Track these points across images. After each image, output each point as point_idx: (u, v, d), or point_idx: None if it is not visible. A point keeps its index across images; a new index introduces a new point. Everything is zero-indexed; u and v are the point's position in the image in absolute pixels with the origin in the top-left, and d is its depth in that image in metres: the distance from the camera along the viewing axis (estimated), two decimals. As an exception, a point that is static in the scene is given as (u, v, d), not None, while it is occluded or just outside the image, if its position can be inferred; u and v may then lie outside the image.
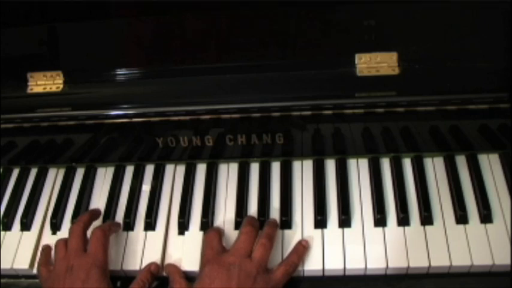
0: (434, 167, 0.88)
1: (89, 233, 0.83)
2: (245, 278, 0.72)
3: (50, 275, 0.80)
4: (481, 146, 0.86)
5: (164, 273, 0.83)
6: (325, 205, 0.85)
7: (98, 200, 0.93)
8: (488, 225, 0.80)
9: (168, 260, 0.84)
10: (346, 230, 0.83)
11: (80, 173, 0.96)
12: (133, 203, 0.90)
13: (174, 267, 0.82)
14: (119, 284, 0.84)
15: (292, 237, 0.83)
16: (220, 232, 0.82)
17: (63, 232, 0.89)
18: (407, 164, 0.89)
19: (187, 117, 0.83)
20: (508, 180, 0.85)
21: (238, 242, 0.78)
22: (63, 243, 0.82)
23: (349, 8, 0.84)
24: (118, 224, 0.87)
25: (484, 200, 0.82)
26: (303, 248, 0.80)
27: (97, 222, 0.88)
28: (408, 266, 0.78)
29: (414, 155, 0.89)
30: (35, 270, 0.86)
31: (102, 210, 0.90)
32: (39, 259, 0.84)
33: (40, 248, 0.87)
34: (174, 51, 0.88)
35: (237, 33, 0.87)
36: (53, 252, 0.85)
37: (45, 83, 0.88)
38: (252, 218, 0.83)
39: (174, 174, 0.93)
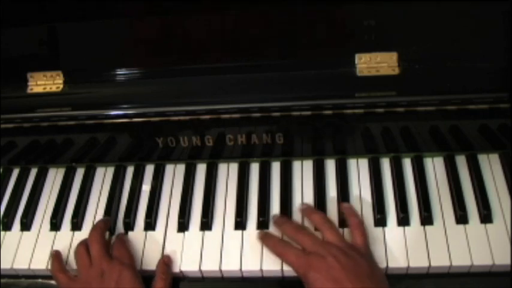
0: (434, 167, 0.88)
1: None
2: (343, 258, 0.72)
3: (74, 282, 0.80)
4: (481, 146, 0.86)
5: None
6: (325, 205, 0.85)
7: (98, 200, 0.92)
8: (488, 225, 0.80)
9: (167, 260, 0.84)
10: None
11: (80, 173, 0.96)
12: (133, 203, 0.90)
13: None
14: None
15: (292, 237, 0.83)
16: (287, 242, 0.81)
17: (64, 232, 0.89)
18: (407, 164, 0.89)
19: (187, 117, 0.83)
20: (508, 180, 0.85)
21: (304, 244, 0.78)
22: (84, 249, 0.81)
23: (349, 8, 0.84)
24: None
25: (484, 200, 0.82)
26: (350, 209, 0.82)
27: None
28: (408, 266, 0.78)
29: (414, 155, 0.89)
30: (33, 266, 0.86)
31: (102, 210, 0.90)
32: (53, 265, 0.83)
33: (38, 248, 0.87)
34: (174, 51, 0.88)
35: (237, 33, 0.87)
36: (69, 257, 0.86)
37: (45, 83, 0.88)
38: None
39: (174, 174, 0.93)
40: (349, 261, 0.72)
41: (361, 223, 0.80)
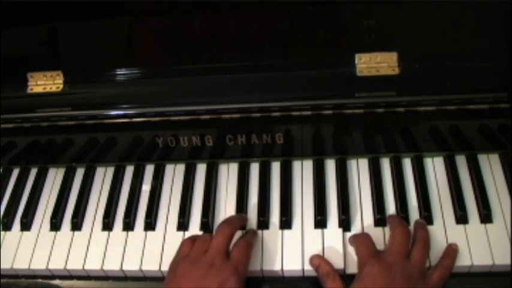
0: (434, 167, 0.88)
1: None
2: (407, 279, 0.70)
3: (188, 254, 0.76)
4: (481, 146, 0.86)
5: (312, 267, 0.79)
6: (325, 205, 0.85)
7: (98, 200, 0.92)
8: (488, 225, 0.80)
9: (166, 260, 0.83)
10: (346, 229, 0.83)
11: (79, 173, 0.96)
12: (133, 203, 0.90)
13: (325, 263, 0.78)
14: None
15: (292, 237, 0.83)
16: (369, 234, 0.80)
17: (64, 232, 0.89)
18: (407, 164, 0.89)
19: (187, 117, 0.83)
20: (508, 180, 0.85)
21: (395, 242, 0.75)
22: (208, 237, 0.78)
23: (349, 8, 0.84)
24: (256, 235, 0.82)
25: (484, 200, 0.82)
26: (453, 251, 0.77)
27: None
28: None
29: (414, 155, 0.89)
30: (33, 266, 0.85)
31: (102, 210, 0.90)
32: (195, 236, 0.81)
33: (38, 248, 0.87)
34: (174, 51, 0.88)
35: (237, 33, 0.87)
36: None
37: (45, 83, 0.88)
38: (400, 219, 0.80)
39: (174, 174, 0.93)
40: (410, 286, 0.70)
41: (451, 269, 0.76)
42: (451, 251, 0.78)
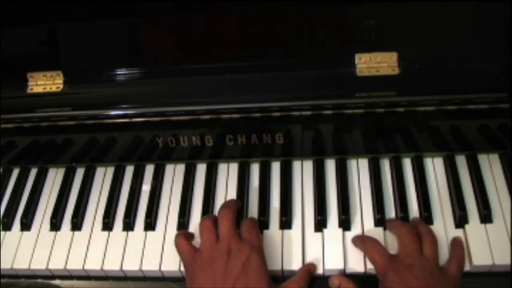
0: (434, 167, 0.88)
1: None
2: (430, 277, 0.71)
3: (196, 252, 0.77)
4: (481, 146, 0.86)
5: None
6: (325, 205, 0.85)
7: (98, 200, 0.92)
8: (488, 225, 0.80)
9: (167, 260, 0.83)
10: (346, 229, 0.83)
11: (79, 173, 0.96)
12: (133, 203, 0.90)
13: (346, 282, 0.77)
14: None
15: (292, 237, 0.83)
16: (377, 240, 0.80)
17: (64, 232, 0.89)
18: (407, 164, 0.89)
19: (187, 117, 0.83)
20: (508, 180, 0.85)
21: (406, 243, 0.76)
22: (211, 224, 0.78)
23: (349, 8, 0.84)
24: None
25: (484, 200, 0.82)
26: (460, 243, 0.78)
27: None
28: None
29: (414, 155, 0.89)
30: (33, 266, 0.86)
31: (102, 210, 0.90)
32: (182, 232, 0.81)
33: (38, 248, 0.87)
34: (174, 51, 0.88)
35: (237, 33, 0.87)
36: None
37: (45, 83, 0.88)
38: (400, 220, 0.81)
39: (174, 174, 0.93)
40: (433, 281, 0.70)
41: (464, 257, 0.77)
42: (458, 242, 0.78)
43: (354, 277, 0.78)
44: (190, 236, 0.82)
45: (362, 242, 0.80)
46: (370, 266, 0.78)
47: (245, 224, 0.80)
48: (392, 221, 0.82)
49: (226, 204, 0.82)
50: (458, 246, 0.78)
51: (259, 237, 0.79)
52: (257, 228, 0.80)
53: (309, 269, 0.79)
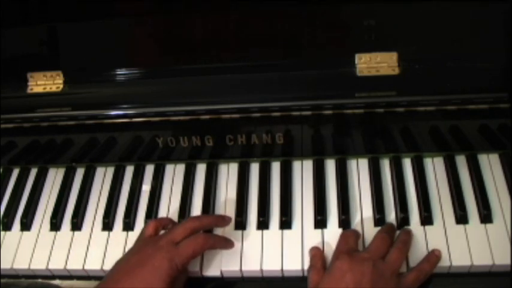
0: (434, 167, 0.88)
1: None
2: (378, 277, 0.70)
3: (150, 240, 0.77)
4: (481, 146, 0.86)
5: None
6: (325, 205, 0.85)
7: (98, 200, 0.92)
8: (488, 225, 0.80)
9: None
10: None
11: (79, 173, 0.96)
12: (133, 203, 0.90)
13: (319, 257, 0.78)
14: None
15: (292, 237, 0.83)
16: (359, 234, 0.81)
17: (64, 232, 0.89)
18: (407, 164, 0.89)
19: (187, 117, 0.83)
20: (508, 180, 0.85)
21: (373, 244, 0.76)
22: (174, 225, 0.79)
23: (349, 8, 0.84)
24: (229, 243, 0.82)
25: (484, 200, 0.82)
26: (435, 258, 0.77)
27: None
28: (408, 266, 0.78)
29: (414, 155, 0.89)
30: (33, 266, 0.85)
31: (102, 210, 0.90)
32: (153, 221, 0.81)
33: (38, 248, 0.87)
34: (174, 51, 0.88)
35: (237, 33, 0.87)
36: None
37: (45, 83, 0.88)
38: (390, 226, 0.81)
39: (174, 174, 0.93)
40: (380, 284, 0.70)
41: (428, 274, 0.76)
42: (433, 256, 0.77)
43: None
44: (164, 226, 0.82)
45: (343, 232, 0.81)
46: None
47: (195, 236, 0.76)
48: (386, 225, 0.81)
49: (200, 218, 0.82)
50: (429, 261, 0.77)
51: (190, 255, 0.74)
52: (198, 247, 0.75)
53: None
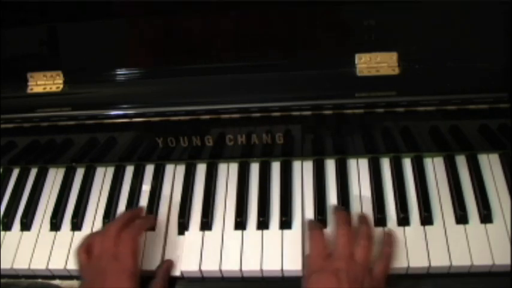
0: (434, 167, 0.88)
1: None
2: (354, 282, 0.71)
3: (89, 264, 0.77)
4: (481, 146, 0.86)
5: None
6: (326, 205, 0.85)
7: (98, 200, 0.92)
8: (488, 225, 0.80)
9: (166, 259, 0.84)
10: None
11: (79, 173, 0.96)
12: (133, 203, 0.90)
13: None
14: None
15: (292, 237, 0.83)
16: (323, 232, 0.80)
17: (64, 232, 0.89)
18: (407, 164, 0.89)
19: (187, 117, 0.83)
20: (508, 180, 0.85)
21: (340, 245, 0.76)
22: (100, 239, 0.79)
23: (349, 8, 0.84)
24: (150, 218, 0.85)
25: (484, 200, 0.82)
26: (392, 238, 0.79)
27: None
28: (408, 266, 0.78)
29: (414, 155, 0.89)
30: (33, 266, 0.85)
31: (102, 210, 0.90)
32: (81, 244, 0.80)
33: (38, 248, 0.87)
34: (174, 51, 0.88)
35: (237, 33, 0.87)
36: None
37: (45, 83, 0.88)
38: (343, 215, 0.80)
39: (174, 174, 0.93)
40: (356, 286, 0.71)
41: (392, 256, 0.77)
42: (389, 238, 0.79)
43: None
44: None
45: (310, 227, 0.81)
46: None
47: (122, 239, 0.78)
48: (338, 212, 0.81)
49: (115, 220, 0.82)
50: (388, 244, 0.78)
51: (134, 254, 0.77)
52: (132, 245, 0.77)
53: (168, 266, 0.81)
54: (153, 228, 0.87)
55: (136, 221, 0.82)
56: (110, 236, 0.78)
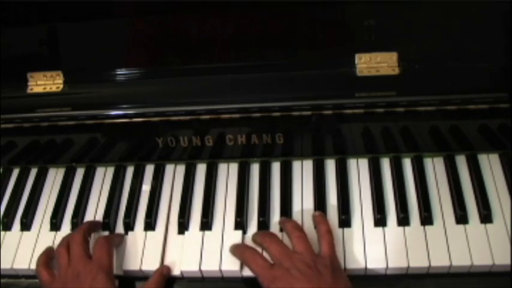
0: (434, 167, 0.88)
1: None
2: (308, 271, 0.72)
3: (53, 280, 0.80)
4: (481, 146, 0.86)
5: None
6: (325, 205, 0.85)
7: (98, 200, 0.92)
8: (488, 225, 0.80)
9: (168, 260, 0.84)
10: (346, 229, 0.83)
11: (79, 173, 0.96)
12: (133, 203, 0.90)
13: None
14: (116, 283, 0.84)
15: (292, 237, 0.83)
16: (254, 248, 0.81)
17: (64, 232, 0.89)
18: (407, 164, 0.89)
19: (187, 117, 0.83)
20: (508, 180, 0.85)
21: (273, 252, 0.77)
22: (64, 250, 0.81)
23: (349, 8, 0.84)
24: (120, 236, 0.86)
25: (484, 200, 0.82)
26: (320, 217, 0.81)
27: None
28: (408, 266, 0.78)
29: (414, 155, 0.89)
30: (33, 266, 0.85)
31: (102, 210, 0.90)
32: (40, 259, 0.83)
33: (38, 248, 0.87)
34: (174, 51, 0.88)
35: (237, 33, 0.87)
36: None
37: (45, 83, 0.88)
38: (291, 222, 0.82)
39: (174, 174, 0.93)
40: (313, 273, 0.72)
41: (329, 231, 0.79)
42: (318, 217, 0.81)
43: (353, 277, 0.78)
44: (51, 260, 0.84)
45: (241, 253, 0.80)
46: (369, 266, 0.78)
47: (97, 242, 0.81)
48: (284, 221, 0.83)
49: (78, 228, 0.85)
50: (320, 222, 0.80)
51: (108, 255, 0.80)
52: (105, 247, 0.80)
53: (161, 271, 0.81)
54: (153, 228, 0.87)
55: (112, 234, 0.86)
56: (78, 241, 0.81)
